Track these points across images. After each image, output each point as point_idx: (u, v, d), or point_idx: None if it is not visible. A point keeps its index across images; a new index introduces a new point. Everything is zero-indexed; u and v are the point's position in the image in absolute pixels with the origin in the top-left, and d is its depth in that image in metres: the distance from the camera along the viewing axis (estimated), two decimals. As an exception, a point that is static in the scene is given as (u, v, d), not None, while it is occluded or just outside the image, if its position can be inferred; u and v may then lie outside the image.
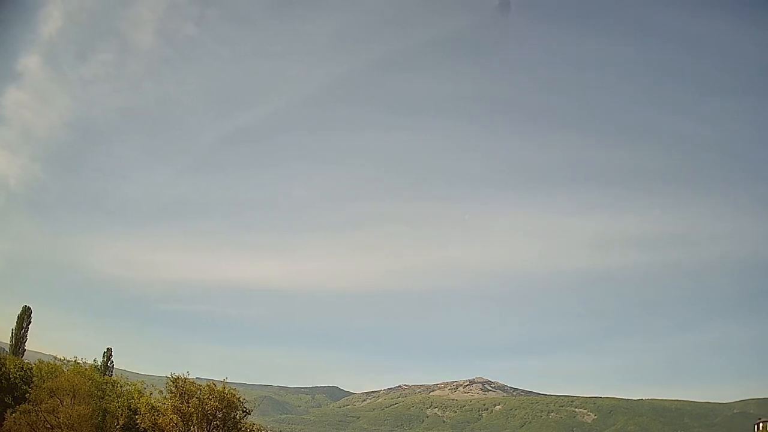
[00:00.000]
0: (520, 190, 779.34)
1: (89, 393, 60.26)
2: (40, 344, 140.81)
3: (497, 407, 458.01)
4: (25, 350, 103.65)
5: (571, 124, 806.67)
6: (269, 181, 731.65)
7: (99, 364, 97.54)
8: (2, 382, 68.14)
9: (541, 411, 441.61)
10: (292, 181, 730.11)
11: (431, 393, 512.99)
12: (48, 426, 56.58)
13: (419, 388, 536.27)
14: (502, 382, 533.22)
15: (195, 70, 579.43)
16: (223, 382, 60.64)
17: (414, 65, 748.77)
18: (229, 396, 59.61)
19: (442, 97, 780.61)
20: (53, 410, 56.88)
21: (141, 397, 64.36)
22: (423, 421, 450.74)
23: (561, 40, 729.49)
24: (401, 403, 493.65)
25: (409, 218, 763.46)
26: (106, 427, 61.89)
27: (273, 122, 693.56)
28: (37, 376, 65.95)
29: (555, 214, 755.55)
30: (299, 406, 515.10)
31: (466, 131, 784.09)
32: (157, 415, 58.67)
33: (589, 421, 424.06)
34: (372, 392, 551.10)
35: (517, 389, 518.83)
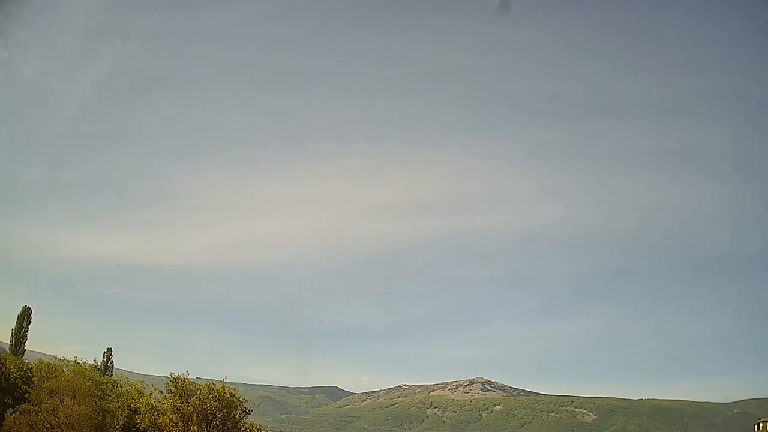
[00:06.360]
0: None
1: (89, 393, 60.23)
2: (39, 344, 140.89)
3: (497, 407, 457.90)
4: (25, 350, 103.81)
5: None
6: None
7: (99, 363, 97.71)
8: (2, 382, 68.15)
9: (541, 411, 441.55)
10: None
11: (431, 393, 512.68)
12: (48, 426, 56.61)
13: (419, 388, 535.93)
14: (502, 382, 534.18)
15: (17, 85, 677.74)
16: (223, 382, 60.81)
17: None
18: (228, 396, 59.77)
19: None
20: (53, 410, 56.91)
21: (141, 397, 64.38)
22: (423, 421, 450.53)
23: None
24: (401, 403, 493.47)
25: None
26: (106, 427, 61.84)
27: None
28: (37, 376, 65.89)
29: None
30: (299, 406, 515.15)
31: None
32: (157, 415, 58.81)
33: (589, 421, 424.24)
34: (372, 392, 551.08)
35: (517, 389, 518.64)
